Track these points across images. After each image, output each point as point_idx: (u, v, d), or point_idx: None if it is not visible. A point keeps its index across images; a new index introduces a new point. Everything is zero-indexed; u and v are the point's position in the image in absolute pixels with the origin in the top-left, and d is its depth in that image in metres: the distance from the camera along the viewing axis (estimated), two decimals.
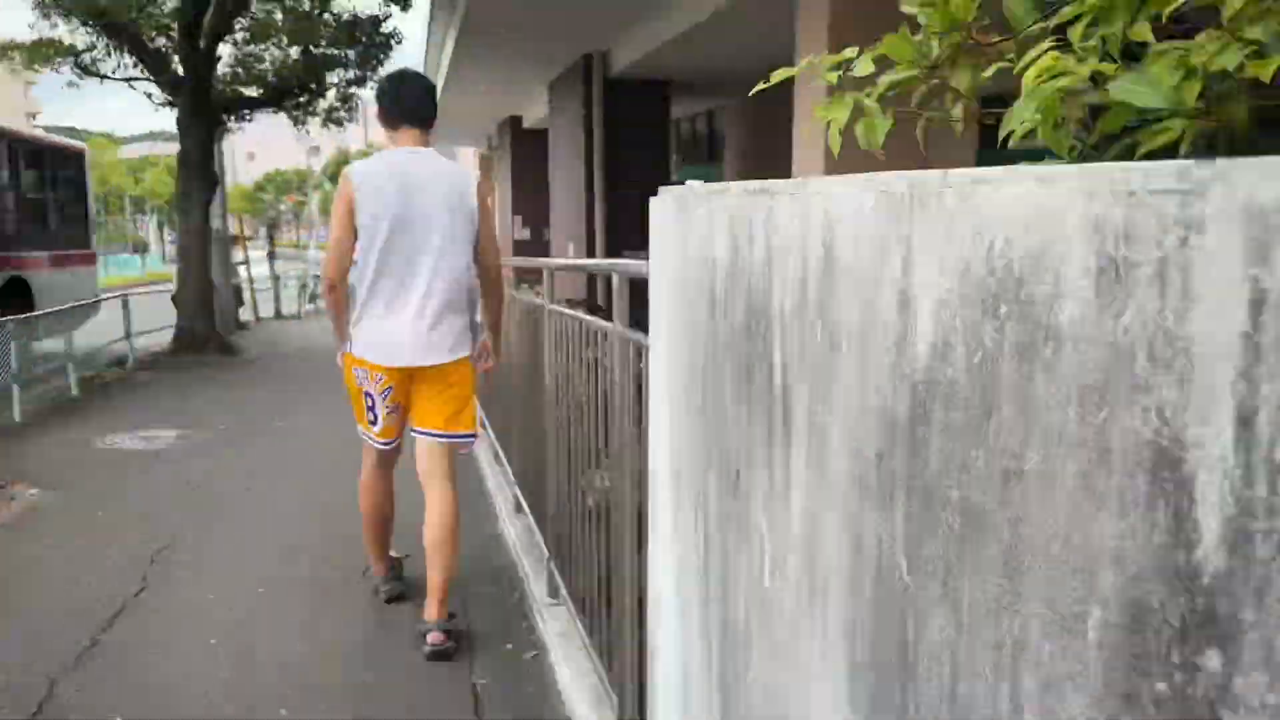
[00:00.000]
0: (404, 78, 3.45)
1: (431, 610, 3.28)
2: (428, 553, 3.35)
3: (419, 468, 3.45)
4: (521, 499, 4.44)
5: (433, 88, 3.53)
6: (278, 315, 18.20)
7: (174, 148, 11.20)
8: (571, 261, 6.12)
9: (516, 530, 4.42)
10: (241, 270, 16.28)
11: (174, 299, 11.53)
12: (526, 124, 22.34)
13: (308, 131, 12.43)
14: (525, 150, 22.87)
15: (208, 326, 11.38)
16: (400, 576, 3.79)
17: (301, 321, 18.03)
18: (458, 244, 3.28)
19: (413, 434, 3.48)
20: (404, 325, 3.24)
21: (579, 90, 13.18)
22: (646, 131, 13.20)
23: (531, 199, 23.22)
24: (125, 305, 10.24)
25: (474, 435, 3.53)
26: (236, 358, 11.44)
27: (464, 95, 21.24)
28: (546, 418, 3.58)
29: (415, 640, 3.30)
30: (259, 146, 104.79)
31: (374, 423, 3.41)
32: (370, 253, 3.19)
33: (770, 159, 11.07)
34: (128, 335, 10.30)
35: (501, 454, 5.39)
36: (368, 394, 3.37)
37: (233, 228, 16.54)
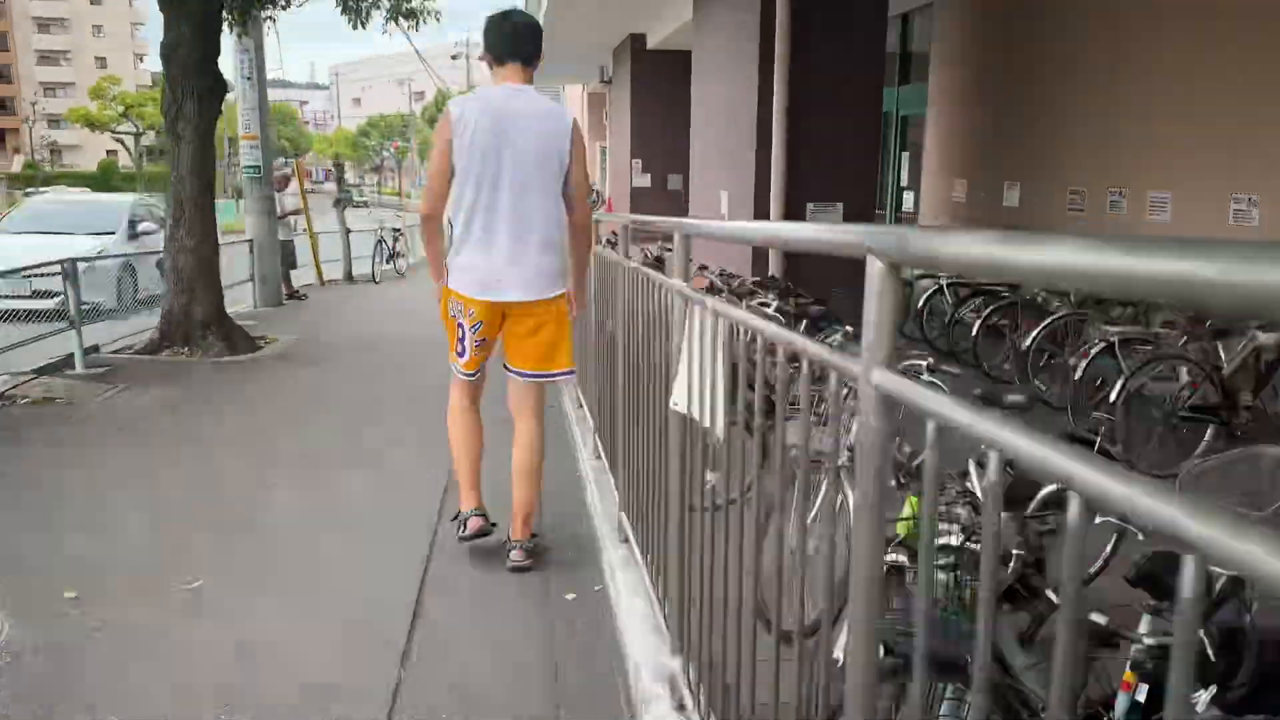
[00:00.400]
0: (508, 15, 3.42)
1: (516, 529, 3.50)
2: (514, 478, 3.52)
3: (510, 402, 3.59)
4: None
5: (538, 26, 3.48)
6: (348, 278, 14.73)
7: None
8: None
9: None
10: (296, 222, 12.64)
11: (160, 266, 7.93)
12: (653, 43, 18.21)
13: (362, 25, 8.54)
14: (649, 77, 18.78)
15: (209, 307, 7.71)
16: (484, 514, 3.56)
17: (377, 288, 14.45)
18: (550, 184, 3.31)
19: (505, 371, 3.56)
20: (496, 261, 3.28)
21: None
22: (850, 40, 8.95)
23: (655, 138, 19.18)
24: (70, 275, 6.62)
25: (571, 371, 3.60)
26: (252, 357, 7.75)
27: (571, 10, 17.29)
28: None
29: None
30: (364, 92, 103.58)
31: (461, 354, 3.45)
32: (465, 187, 3.26)
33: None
34: (73, 324, 6.70)
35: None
36: (459, 325, 3.40)
37: (287, 167, 12.87)
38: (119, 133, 41.09)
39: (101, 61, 76.67)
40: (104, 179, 50.72)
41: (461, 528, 3.52)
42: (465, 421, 3.61)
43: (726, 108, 10.31)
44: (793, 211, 9.13)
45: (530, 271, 3.32)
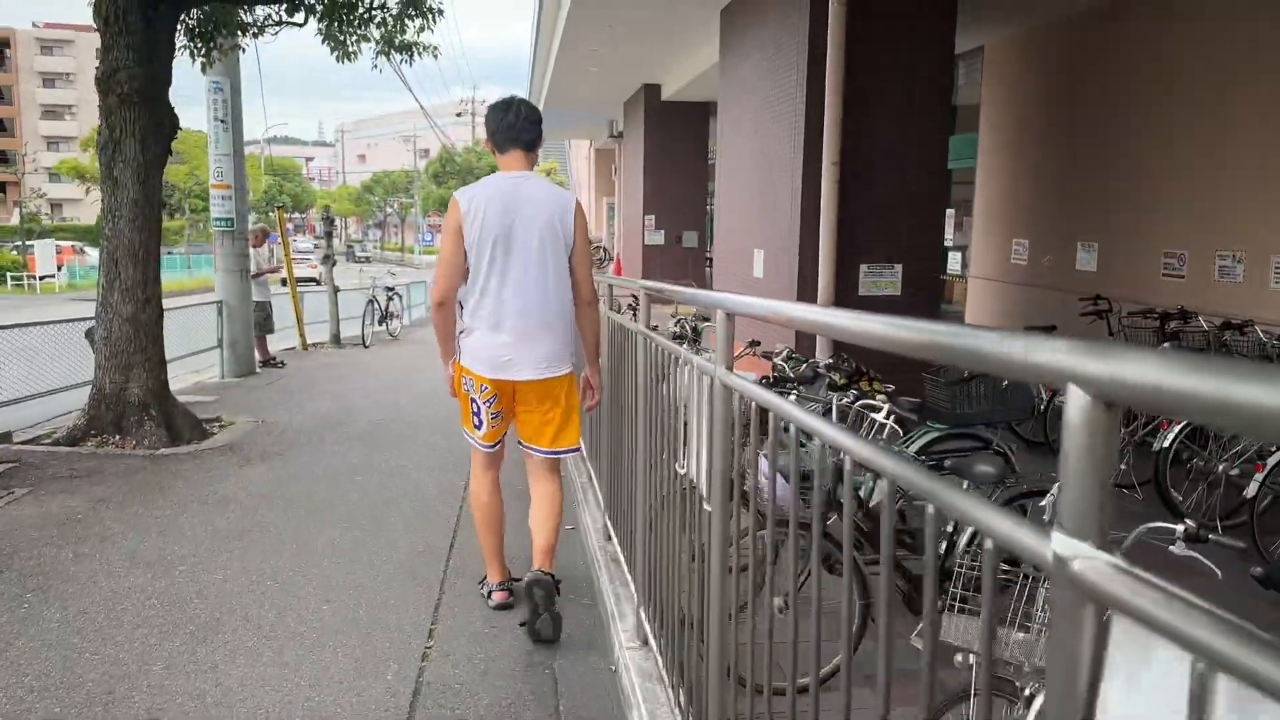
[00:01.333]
0: (510, 105, 3.50)
1: (536, 560, 3.53)
2: (533, 526, 3.57)
3: (529, 474, 3.65)
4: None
5: (538, 114, 3.55)
6: (335, 341, 13.41)
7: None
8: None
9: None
10: (271, 284, 11.33)
11: (89, 336, 6.57)
12: (668, 94, 17.12)
13: (348, 59, 7.34)
14: (664, 129, 17.67)
15: (149, 385, 6.35)
16: (510, 587, 3.69)
17: (366, 353, 13.11)
18: (557, 265, 3.40)
19: (520, 445, 3.61)
20: (505, 341, 3.36)
21: (794, 9, 7.86)
22: (913, 80, 7.75)
23: (669, 193, 18.01)
24: None
25: (577, 449, 3.66)
26: (196, 448, 6.34)
27: (582, 60, 16.20)
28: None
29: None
30: (369, 149, 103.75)
31: (478, 426, 3.50)
32: (477, 271, 3.36)
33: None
34: None
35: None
36: (473, 400, 3.46)
37: (255, 221, 11.63)
38: None
39: (58, 112, 76.09)
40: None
41: (487, 598, 3.68)
42: (486, 493, 3.64)
43: (761, 158, 9.07)
44: (844, 273, 7.82)
45: (540, 350, 3.40)
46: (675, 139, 17.78)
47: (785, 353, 4.80)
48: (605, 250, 28.47)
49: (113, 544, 4.35)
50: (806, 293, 7.95)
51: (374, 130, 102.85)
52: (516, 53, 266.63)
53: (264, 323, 10.77)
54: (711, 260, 21.72)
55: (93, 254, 33.41)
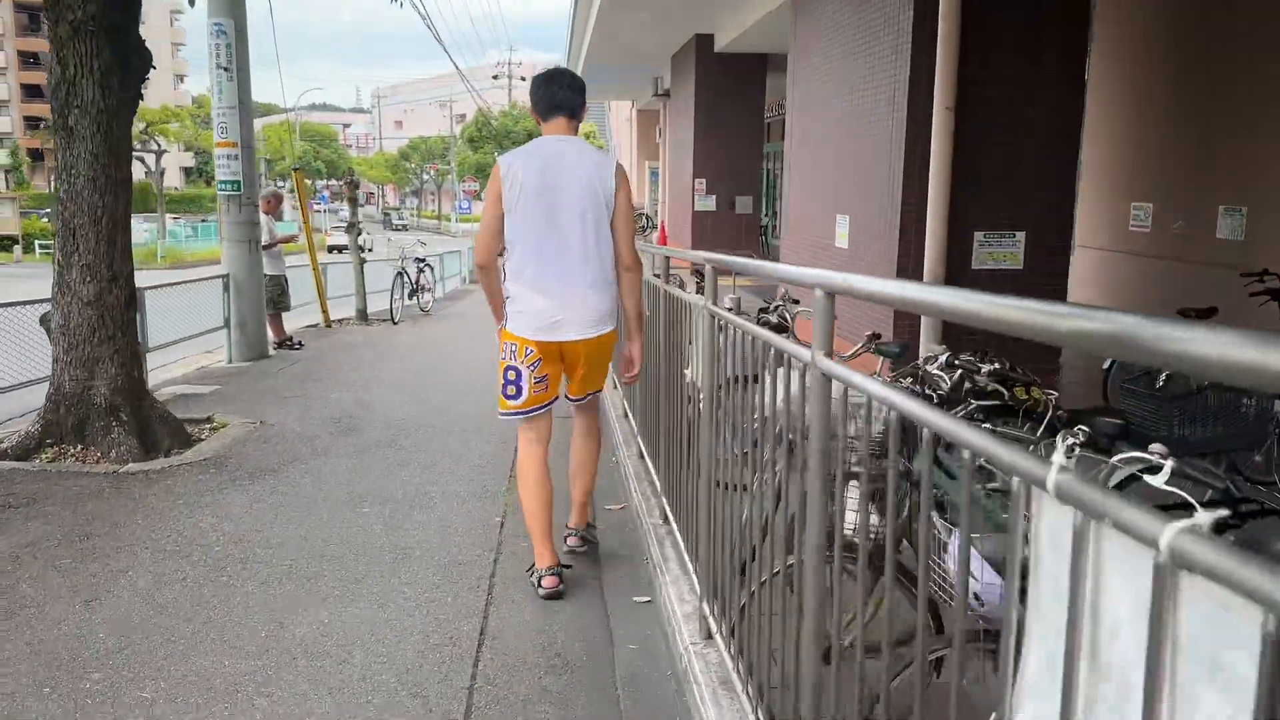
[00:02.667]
0: (553, 74, 3.54)
1: (573, 517, 3.84)
2: (571, 473, 3.81)
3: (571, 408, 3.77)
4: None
5: (581, 83, 3.56)
6: (362, 318, 12.27)
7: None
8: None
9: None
10: (279, 251, 10.18)
11: (44, 322, 5.43)
12: (721, 45, 15.67)
13: None
14: (717, 85, 16.23)
15: (119, 383, 5.21)
16: (560, 572, 3.48)
17: (395, 330, 11.96)
18: (599, 228, 3.39)
19: (568, 401, 3.67)
20: (551, 303, 3.36)
21: None
22: (1040, 15, 6.36)
23: (722, 154, 16.60)
24: None
25: (600, 390, 3.74)
26: (171, 463, 5.17)
27: (630, 4, 14.78)
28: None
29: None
30: (406, 115, 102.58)
31: (516, 395, 3.46)
32: (517, 235, 3.36)
33: None
34: None
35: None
36: (510, 368, 3.45)
37: (281, 183, 10.42)
38: (141, 151, 39.36)
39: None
40: (140, 202, 49.22)
41: (537, 585, 3.45)
42: (533, 471, 3.53)
43: (849, 108, 7.69)
44: (955, 243, 6.48)
45: (585, 311, 3.40)
46: (729, 94, 16.35)
47: (942, 357, 3.48)
48: (648, 218, 27.07)
49: (16, 625, 3.18)
50: (909, 266, 6.63)
51: (411, 96, 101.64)
52: (554, 19, 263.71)
53: (278, 299, 9.63)
54: (771, 228, 20.32)
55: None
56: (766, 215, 21.83)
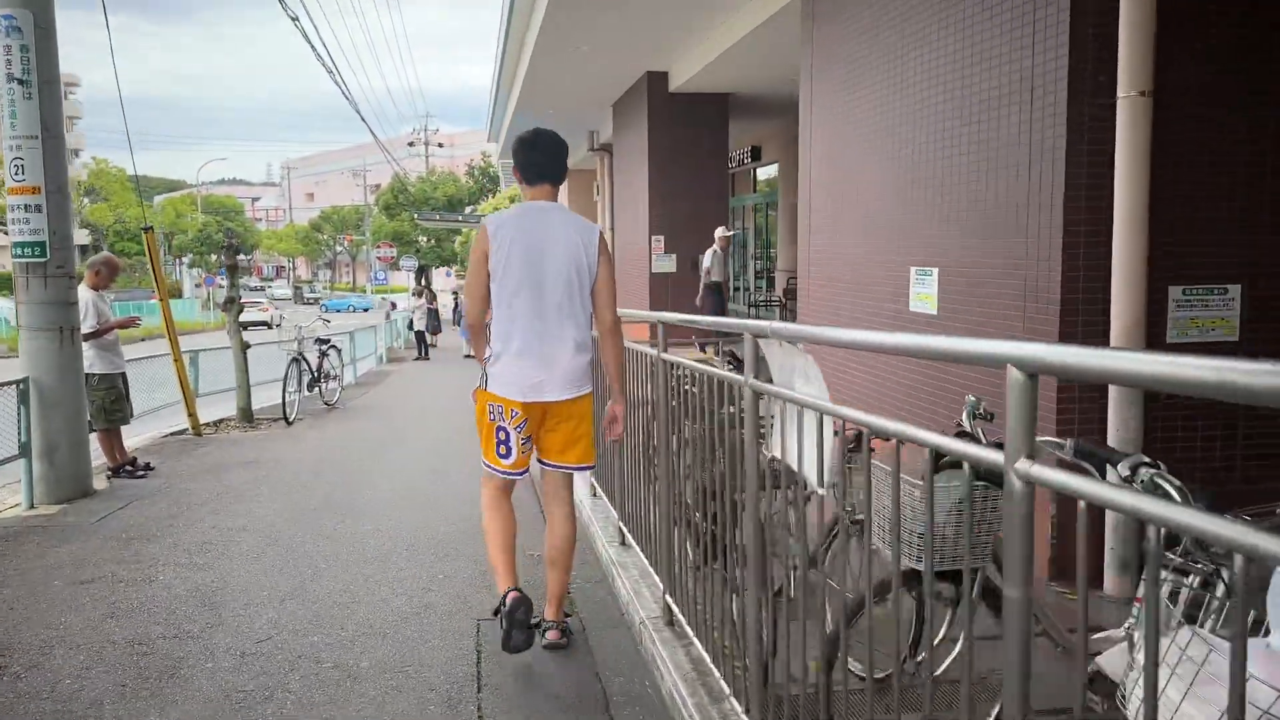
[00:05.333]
0: (537, 139, 3.57)
1: (549, 611, 3.65)
2: (547, 563, 3.65)
3: (544, 492, 3.75)
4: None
5: (564, 146, 3.63)
6: (245, 418, 9.46)
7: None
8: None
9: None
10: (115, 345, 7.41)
11: None
12: (677, 83, 13.51)
13: None
14: (673, 127, 14.03)
15: None
16: (521, 590, 3.47)
17: (288, 435, 9.20)
18: (582, 294, 3.49)
19: (540, 464, 3.66)
20: (534, 365, 3.43)
21: None
22: None
23: (683, 205, 14.34)
24: None
25: (592, 465, 3.80)
26: None
27: (570, 37, 12.55)
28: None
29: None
30: (318, 186, 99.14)
31: (506, 455, 3.52)
32: (503, 297, 3.44)
33: None
34: None
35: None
36: (500, 429, 3.50)
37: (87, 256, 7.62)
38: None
39: None
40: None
41: (502, 609, 3.41)
42: (500, 513, 3.63)
43: (934, 108, 5.40)
44: (1151, 298, 4.18)
45: (566, 372, 3.46)
46: (688, 140, 14.17)
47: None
48: None
49: None
50: (1074, 335, 4.29)
51: (322, 167, 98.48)
52: (468, 92, 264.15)
53: (111, 409, 6.82)
54: (738, 291, 18.16)
55: None
56: (740, 278, 19.68)
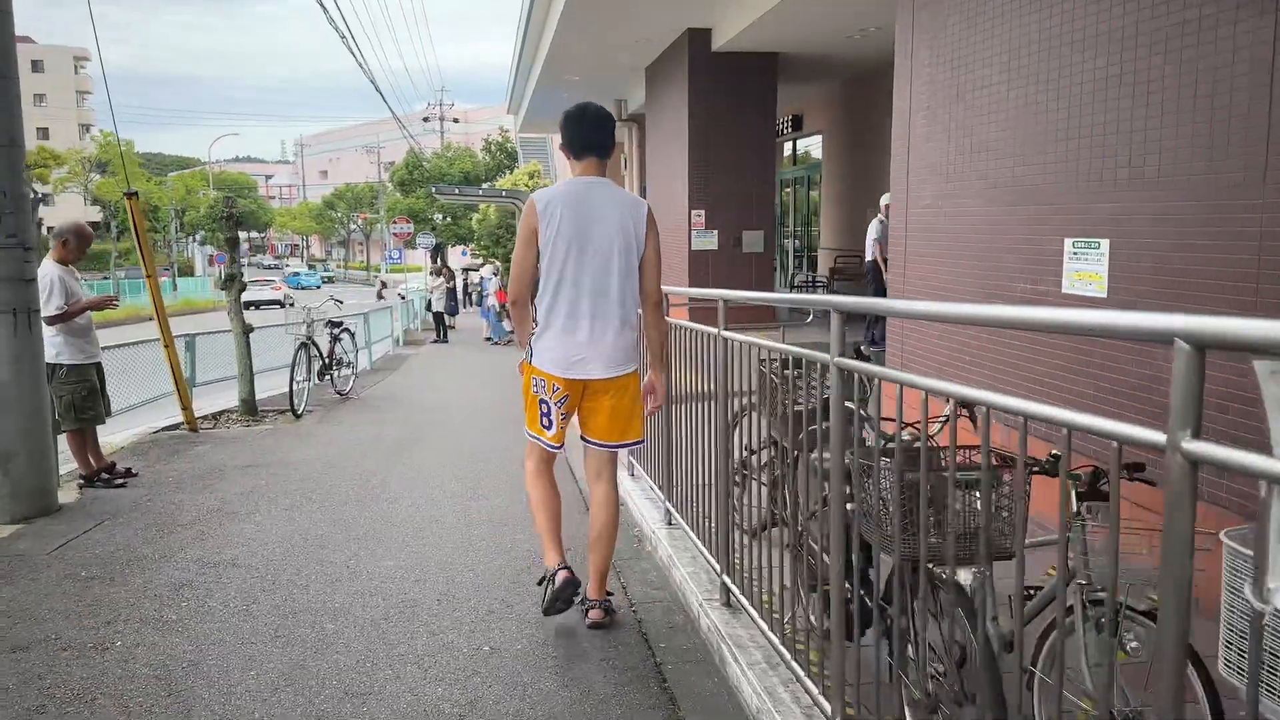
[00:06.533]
0: (584, 113, 3.56)
1: (593, 589, 3.59)
2: (591, 542, 3.59)
3: (587, 470, 3.67)
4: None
5: (611, 119, 3.64)
6: (248, 410, 8.42)
7: None
8: None
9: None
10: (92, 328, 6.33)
11: None
12: (721, 42, 12.33)
13: None
14: (715, 92, 12.86)
15: None
16: (570, 568, 3.51)
17: (295, 432, 8.16)
18: (629, 268, 3.48)
19: (583, 441, 3.64)
20: (579, 341, 3.42)
21: None
22: None
23: (726, 177, 13.19)
24: None
25: (641, 440, 3.72)
26: None
27: (598, 1, 11.37)
28: None
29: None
30: (331, 164, 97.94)
31: (548, 428, 3.51)
32: (550, 272, 3.41)
33: None
34: None
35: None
36: (543, 401, 3.49)
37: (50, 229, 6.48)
38: None
39: (44, 132, 71.08)
40: None
41: (550, 584, 3.47)
42: (544, 483, 3.62)
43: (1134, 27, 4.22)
44: None
45: (610, 350, 3.45)
46: (732, 106, 12.96)
47: None
48: None
49: None
50: None
51: (336, 144, 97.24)
52: (485, 69, 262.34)
53: (83, 405, 5.75)
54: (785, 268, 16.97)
55: None
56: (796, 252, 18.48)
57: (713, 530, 3.70)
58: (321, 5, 14.93)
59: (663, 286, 3.81)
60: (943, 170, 5.80)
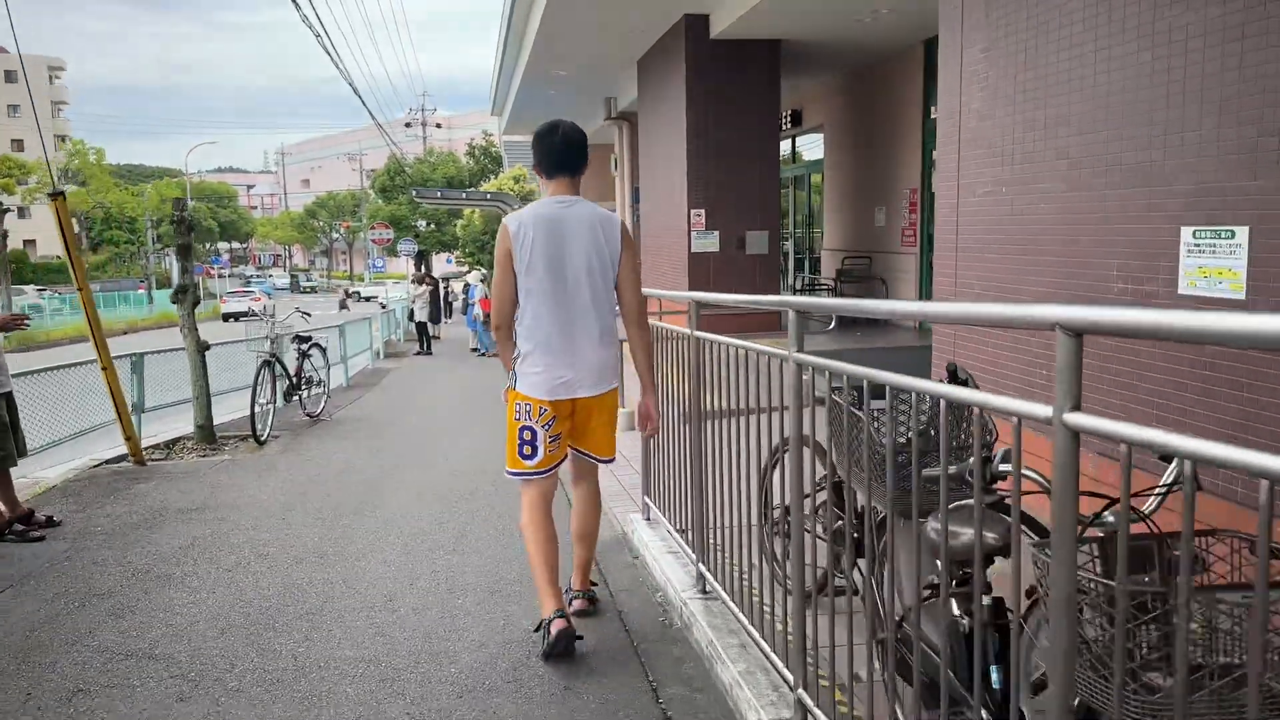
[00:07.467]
0: (554, 131, 3.54)
1: (576, 580, 3.76)
2: (574, 537, 3.71)
3: (571, 472, 3.72)
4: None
5: (583, 138, 3.59)
6: (204, 436, 7.48)
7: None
8: None
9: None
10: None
11: None
12: (720, 29, 11.46)
13: None
14: (715, 82, 11.99)
15: None
16: (568, 617, 3.37)
17: (255, 460, 7.26)
18: (605, 286, 3.47)
19: (572, 451, 3.63)
20: (562, 363, 3.40)
21: None
22: None
23: (728, 175, 12.30)
24: None
25: (612, 459, 3.71)
26: None
27: None
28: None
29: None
30: (314, 173, 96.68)
31: (532, 455, 3.45)
32: (528, 295, 3.39)
33: None
34: None
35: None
36: (526, 428, 3.44)
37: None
38: None
39: (18, 145, 69.74)
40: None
41: (546, 634, 3.30)
42: (541, 525, 3.50)
43: None
44: None
45: (593, 366, 3.45)
46: (733, 96, 12.11)
47: None
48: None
49: None
50: None
51: (317, 152, 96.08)
52: (467, 76, 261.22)
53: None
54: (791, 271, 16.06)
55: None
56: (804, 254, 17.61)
57: (773, 619, 2.80)
58: (295, 3, 14.07)
59: (656, 290, 3.81)
60: (1006, 150, 4.92)
